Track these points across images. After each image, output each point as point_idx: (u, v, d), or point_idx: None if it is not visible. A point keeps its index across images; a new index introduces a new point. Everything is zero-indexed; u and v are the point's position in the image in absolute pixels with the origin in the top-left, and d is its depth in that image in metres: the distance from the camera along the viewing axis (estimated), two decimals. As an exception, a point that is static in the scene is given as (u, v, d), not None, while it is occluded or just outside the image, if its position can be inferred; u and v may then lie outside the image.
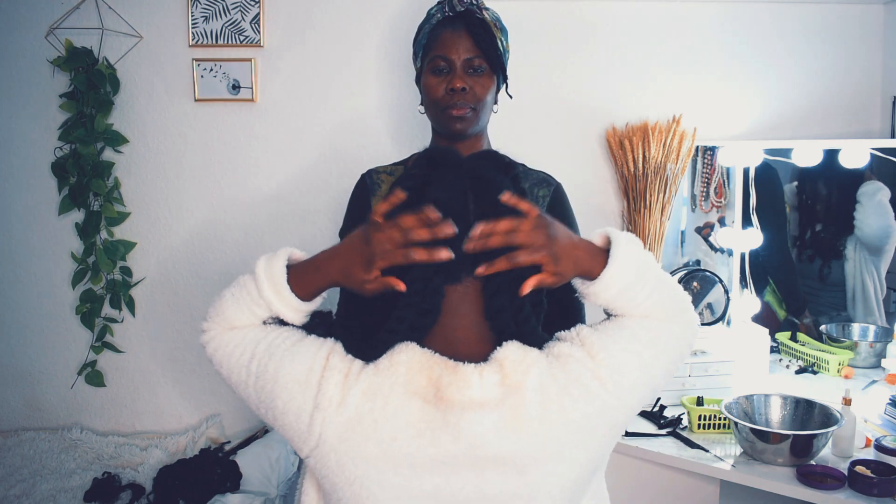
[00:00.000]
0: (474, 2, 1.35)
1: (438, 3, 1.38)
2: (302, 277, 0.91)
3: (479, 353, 0.85)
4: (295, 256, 0.94)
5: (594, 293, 0.91)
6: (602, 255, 0.90)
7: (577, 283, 0.94)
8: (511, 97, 1.48)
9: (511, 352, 0.84)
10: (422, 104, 1.42)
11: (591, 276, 0.90)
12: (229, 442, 2.05)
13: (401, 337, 0.85)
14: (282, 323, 0.94)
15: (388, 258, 0.84)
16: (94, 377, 2.12)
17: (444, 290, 0.86)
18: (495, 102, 1.42)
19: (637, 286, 0.90)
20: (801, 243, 2.24)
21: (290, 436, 0.86)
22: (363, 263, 0.85)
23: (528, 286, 0.85)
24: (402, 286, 0.84)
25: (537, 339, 0.88)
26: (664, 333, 0.92)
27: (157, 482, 1.81)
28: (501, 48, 1.36)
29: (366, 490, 0.82)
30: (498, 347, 0.85)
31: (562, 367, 0.85)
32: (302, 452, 0.86)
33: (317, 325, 0.93)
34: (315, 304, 0.95)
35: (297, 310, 0.92)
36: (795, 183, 2.21)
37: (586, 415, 0.83)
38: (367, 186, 1.48)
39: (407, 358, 0.83)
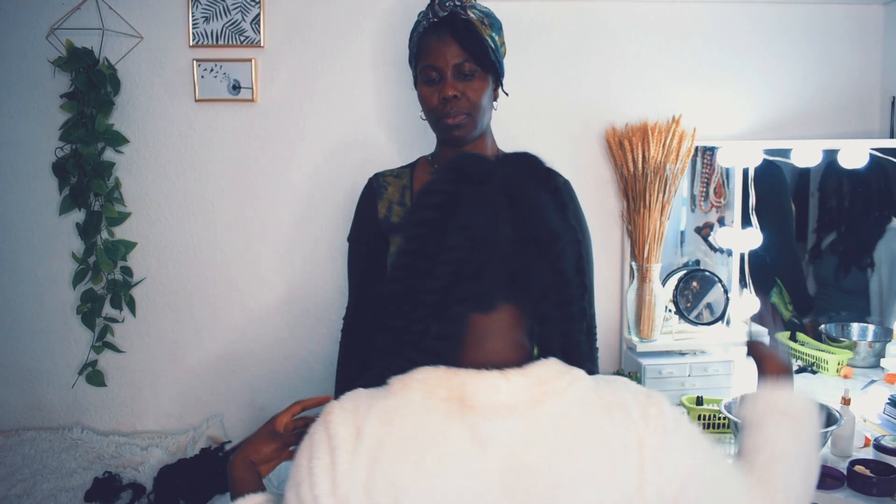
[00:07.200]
0: (458, 3, 1.32)
1: (425, 9, 1.36)
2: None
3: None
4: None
5: (760, 396, 0.97)
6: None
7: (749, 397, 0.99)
8: (507, 94, 1.47)
9: (552, 363, 0.80)
10: (422, 111, 1.42)
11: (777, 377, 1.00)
12: (230, 442, 2.05)
13: (419, 365, 0.80)
14: None
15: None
16: (94, 377, 2.12)
17: (470, 318, 0.80)
18: (495, 100, 1.42)
19: (788, 429, 0.91)
20: (816, 249, 2.21)
21: None
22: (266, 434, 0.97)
23: None
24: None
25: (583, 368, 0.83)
26: (727, 474, 0.83)
27: (158, 482, 1.81)
28: (493, 45, 1.33)
29: None
30: (537, 361, 0.80)
31: (610, 387, 0.80)
32: None
33: None
34: None
35: None
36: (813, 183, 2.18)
37: (625, 443, 0.76)
38: (373, 190, 1.48)
39: (422, 376, 0.79)
